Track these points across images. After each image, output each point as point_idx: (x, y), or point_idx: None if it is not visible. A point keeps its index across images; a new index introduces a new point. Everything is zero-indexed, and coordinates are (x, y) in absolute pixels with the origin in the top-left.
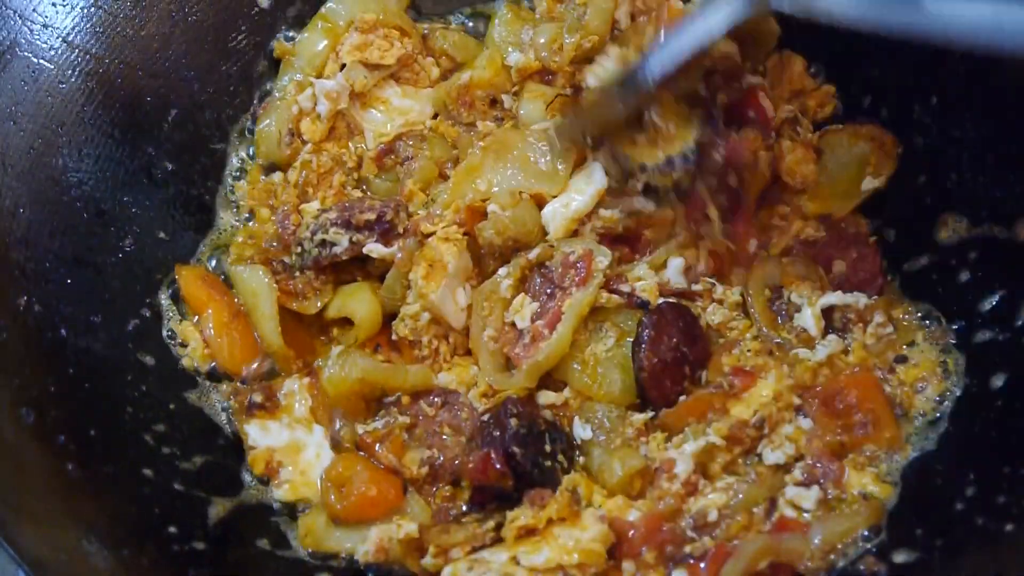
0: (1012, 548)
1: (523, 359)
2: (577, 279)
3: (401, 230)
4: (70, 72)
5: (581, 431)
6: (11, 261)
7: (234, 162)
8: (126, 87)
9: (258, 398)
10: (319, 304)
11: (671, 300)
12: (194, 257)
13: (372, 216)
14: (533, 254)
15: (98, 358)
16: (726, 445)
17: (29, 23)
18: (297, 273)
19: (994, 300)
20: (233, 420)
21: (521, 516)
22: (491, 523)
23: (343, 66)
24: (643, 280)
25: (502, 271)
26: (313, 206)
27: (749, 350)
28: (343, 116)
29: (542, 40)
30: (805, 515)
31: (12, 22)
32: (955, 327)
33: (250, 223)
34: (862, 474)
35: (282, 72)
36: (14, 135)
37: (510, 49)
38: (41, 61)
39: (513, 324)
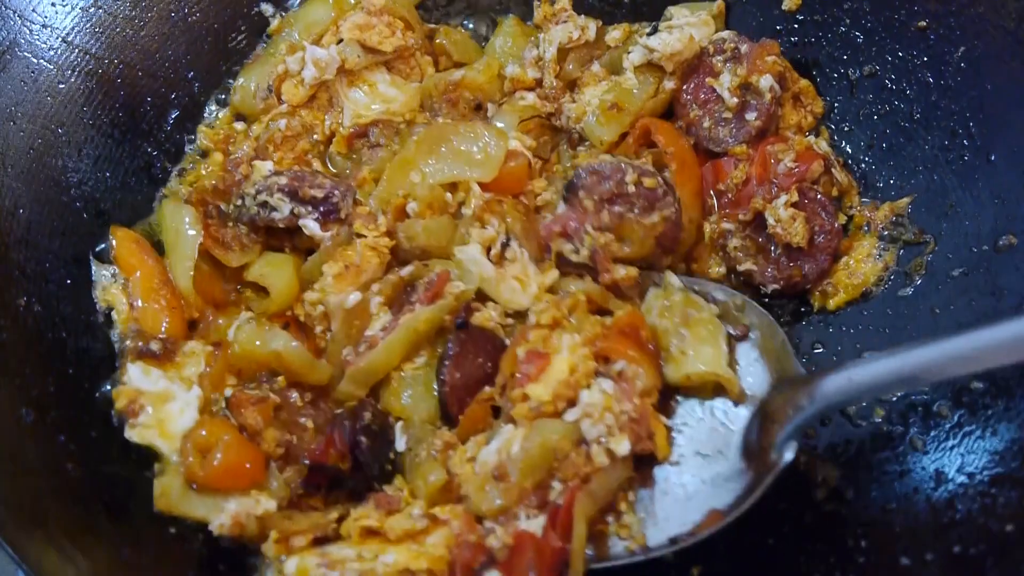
0: (1012, 548)
1: (349, 365)
2: (424, 296)
3: (343, 216)
4: (70, 72)
5: (399, 442)
6: (11, 261)
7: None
8: (126, 87)
9: (155, 347)
10: (242, 259)
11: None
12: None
13: (319, 194)
14: (405, 271)
15: (98, 358)
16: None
17: (29, 23)
18: (230, 223)
19: None
20: (119, 357)
21: (367, 516)
22: (334, 514)
23: (340, 41)
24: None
25: (374, 287)
26: (267, 166)
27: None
28: (327, 88)
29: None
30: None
31: (12, 22)
32: None
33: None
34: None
35: (279, 29)
36: (14, 135)
37: (510, 61)
38: (41, 61)
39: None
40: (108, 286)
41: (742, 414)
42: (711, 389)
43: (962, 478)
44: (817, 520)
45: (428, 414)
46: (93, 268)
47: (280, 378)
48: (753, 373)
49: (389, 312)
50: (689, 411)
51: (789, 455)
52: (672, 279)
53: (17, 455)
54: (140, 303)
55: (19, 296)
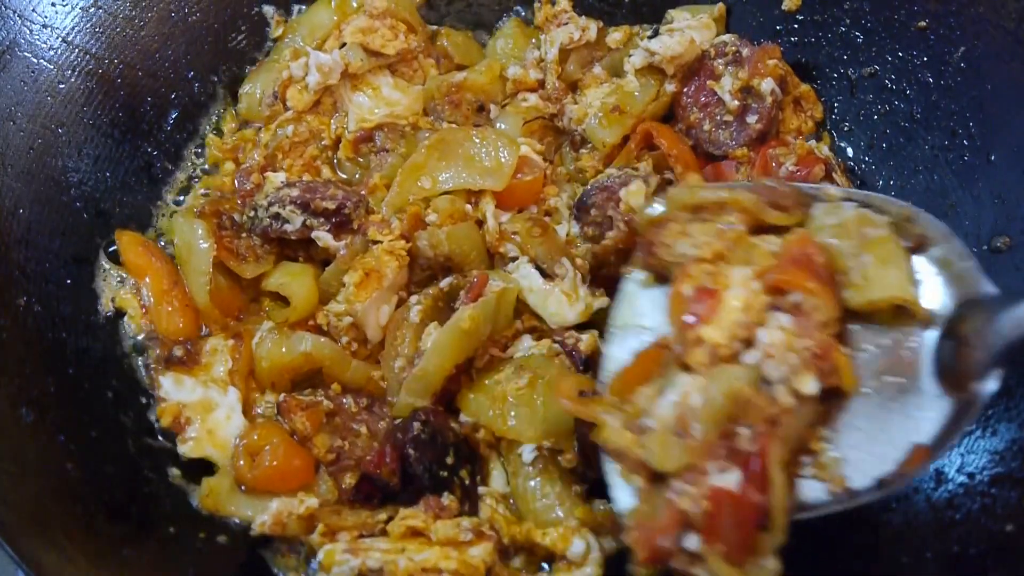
0: (1012, 548)
1: (406, 379)
2: (467, 298)
3: (356, 226)
4: (70, 72)
5: (498, 482)
6: (11, 261)
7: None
8: (126, 87)
9: (179, 352)
10: (257, 270)
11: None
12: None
13: (332, 206)
14: (444, 283)
15: (98, 358)
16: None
17: (29, 23)
18: (243, 234)
19: None
20: (151, 372)
21: (414, 517)
22: (383, 515)
23: (343, 45)
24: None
25: (413, 298)
26: (279, 178)
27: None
28: (331, 93)
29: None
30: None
31: (12, 22)
32: None
33: (210, 174)
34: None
35: (283, 35)
36: (14, 135)
37: (512, 62)
38: (41, 61)
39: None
40: (118, 290)
41: (927, 336)
42: (890, 311)
43: (962, 478)
44: (817, 519)
45: (526, 434)
46: (102, 270)
47: (335, 385)
48: (932, 289)
49: (437, 324)
50: (868, 336)
51: (994, 384)
52: (832, 190)
53: (17, 455)
54: (153, 305)
55: (19, 296)
